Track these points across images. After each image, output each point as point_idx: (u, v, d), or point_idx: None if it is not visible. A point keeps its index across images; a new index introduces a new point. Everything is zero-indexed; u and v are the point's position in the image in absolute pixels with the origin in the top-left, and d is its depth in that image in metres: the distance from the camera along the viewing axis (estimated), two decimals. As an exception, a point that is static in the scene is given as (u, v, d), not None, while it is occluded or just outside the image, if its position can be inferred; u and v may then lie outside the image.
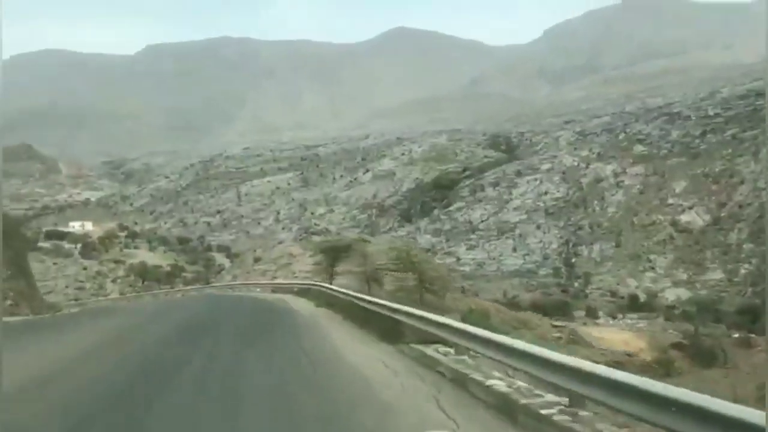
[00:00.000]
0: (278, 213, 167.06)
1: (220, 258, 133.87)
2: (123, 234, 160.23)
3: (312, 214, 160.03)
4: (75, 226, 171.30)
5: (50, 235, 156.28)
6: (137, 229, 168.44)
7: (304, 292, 33.41)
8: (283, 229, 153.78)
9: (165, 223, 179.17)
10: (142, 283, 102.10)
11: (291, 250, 61.63)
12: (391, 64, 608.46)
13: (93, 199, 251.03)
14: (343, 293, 22.61)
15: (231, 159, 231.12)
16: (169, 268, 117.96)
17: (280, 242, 68.52)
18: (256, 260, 59.04)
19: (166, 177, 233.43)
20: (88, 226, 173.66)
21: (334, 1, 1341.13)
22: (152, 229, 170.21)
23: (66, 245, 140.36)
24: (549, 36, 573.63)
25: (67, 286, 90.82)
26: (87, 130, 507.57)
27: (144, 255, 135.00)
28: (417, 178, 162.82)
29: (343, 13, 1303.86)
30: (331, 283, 34.66)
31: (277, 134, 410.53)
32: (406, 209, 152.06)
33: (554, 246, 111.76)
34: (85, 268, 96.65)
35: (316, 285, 32.21)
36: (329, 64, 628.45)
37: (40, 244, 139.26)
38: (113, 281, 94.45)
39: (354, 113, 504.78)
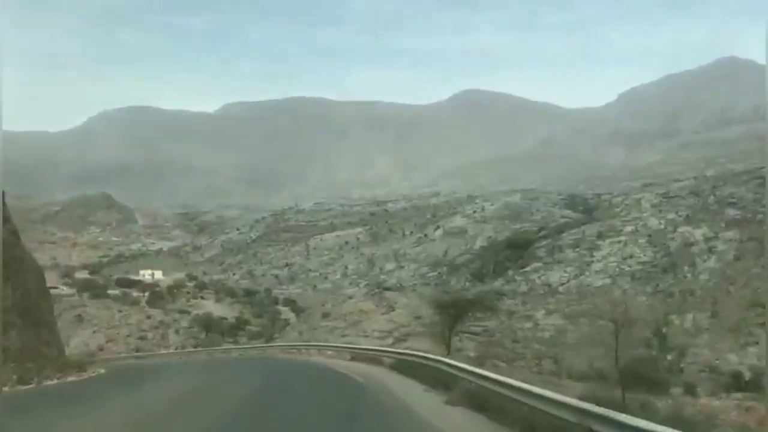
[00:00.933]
0: (346, 268, 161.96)
1: (285, 312, 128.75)
2: (191, 284, 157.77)
3: (380, 269, 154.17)
4: (145, 275, 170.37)
5: (120, 283, 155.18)
6: (206, 279, 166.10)
7: (407, 369, 22.40)
8: (350, 284, 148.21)
9: (234, 274, 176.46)
10: (206, 335, 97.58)
11: (362, 306, 55.43)
12: (461, 126, 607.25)
13: (165, 249, 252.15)
14: (533, 395, 11.71)
15: (301, 212, 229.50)
16: (233, 321, 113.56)
17: (350, 297, 62.94)
18: (325, 316, 53.04)
19: (237, 229, 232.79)
20: (158, 275, 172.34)
21: (406, 65, 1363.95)
22: (221, 280, 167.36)
23: (134, 293, 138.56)
24: (624, 99, 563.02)
25: (129, 335, 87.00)
26: (164, 183, 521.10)
27: (210, 306, 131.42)
28: (490, 237, 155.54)
29: (415, 75, 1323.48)
30: (448, 351, 26.83)
31: (347, 192, 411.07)
32: (479, 268, 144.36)
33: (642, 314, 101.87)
34: (149, 317, 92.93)
35: (429, 358, 21.13)
36: (400, 125, 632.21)
37: (109, 291, 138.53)
38: (176, 332, 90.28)
39: (424, 173, 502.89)
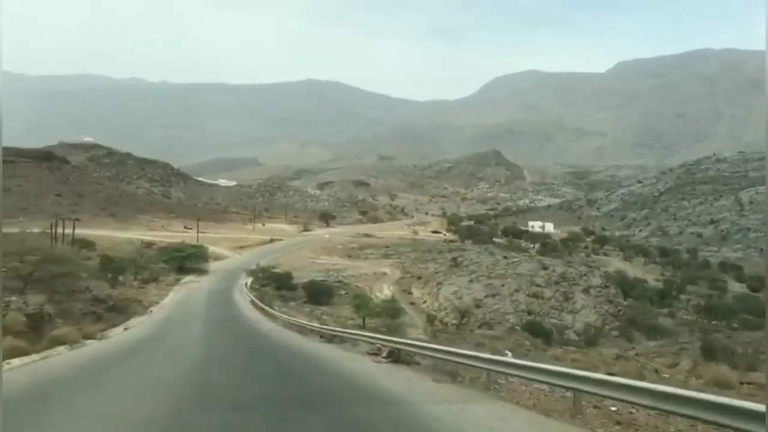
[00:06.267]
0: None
1: (730, 281, 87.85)
2: (589, 239, 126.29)
3: None
4: (534, 226, 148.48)
5: (506, 232, 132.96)
6: (606, 234, 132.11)
7: None
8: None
9: (639, 230, 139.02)
10: (624, 299, 64.01)
11: None
12: None
13: (553, 204, 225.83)
14: None
15: (722, 162, 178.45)
16: (661, 284, 77.88)
17: None
18: None
19: (639, 182, 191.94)
20: (549, 227, 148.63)
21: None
22: (624, 237, 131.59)
23: (522, 243, 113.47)
24: None
25: (517, 290, 58.33)
26: (552, 143, 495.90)
27: (618, 264, 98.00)
28: None
29: None
30: None
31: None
32: None
33: None
34: (545, 268, 63.58)
35: None
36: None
37: (495, 239, 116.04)
38: (585, 291, 59.06)
39: None
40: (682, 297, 72.39)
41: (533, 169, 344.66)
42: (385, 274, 70.84)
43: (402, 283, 67.40)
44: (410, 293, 62.78)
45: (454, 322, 54.00)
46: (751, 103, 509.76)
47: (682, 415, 6.76)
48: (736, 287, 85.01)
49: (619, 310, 57.77)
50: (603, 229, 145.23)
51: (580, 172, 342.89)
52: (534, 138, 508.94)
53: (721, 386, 15.51)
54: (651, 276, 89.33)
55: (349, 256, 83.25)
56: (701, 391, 8.81)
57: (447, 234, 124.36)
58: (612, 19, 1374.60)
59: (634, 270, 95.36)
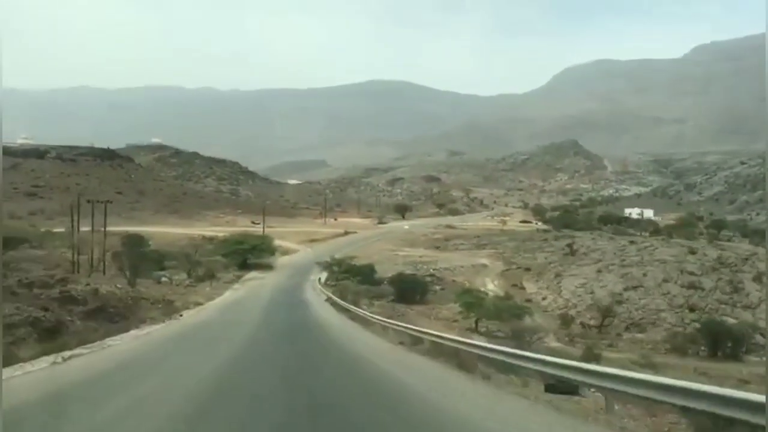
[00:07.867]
0: None
1: None
2: (701, 224, 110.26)
3: None
4: (632, 213, 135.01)
5: (603, 220, 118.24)
6: (719, 219, 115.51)
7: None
8: None
9: (756, 213, 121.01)
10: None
11: None
12: None
13: (642, 192, 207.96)
14: None
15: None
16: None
17: None
18: None
19: (743, 162, 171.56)
20: (648, 213, 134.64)
21: None
22: (740, 221, 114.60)
23: (629, 230, 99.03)
24: None
25: (665, 281, 44.57)
26: (629, 133, 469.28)
27: (747, 249, 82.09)
28: None
29: None
30: None
31: None
32: None
33: None
34: (692, 253, 49.28)
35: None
36: None
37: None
38: (756, 280, 44.82)
39: None
40: None
41: (612, 158, 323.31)
42: (484, 266, 57.94)
43: (508, 276, 54.40)
44: (522, 288, 49.70)
45: (592, 322, 40.70)
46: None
47: None
48: None
49: (810, 304, 43.10)
50: (710, 213, 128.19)
51: (662, 160, 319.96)
52: (609, 128, 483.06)
53: None
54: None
55: (437, 248, 70.71)
56: None
57: (538, 224, 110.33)
58: (684, 3, 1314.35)
59: (772, 256, 79.34)
